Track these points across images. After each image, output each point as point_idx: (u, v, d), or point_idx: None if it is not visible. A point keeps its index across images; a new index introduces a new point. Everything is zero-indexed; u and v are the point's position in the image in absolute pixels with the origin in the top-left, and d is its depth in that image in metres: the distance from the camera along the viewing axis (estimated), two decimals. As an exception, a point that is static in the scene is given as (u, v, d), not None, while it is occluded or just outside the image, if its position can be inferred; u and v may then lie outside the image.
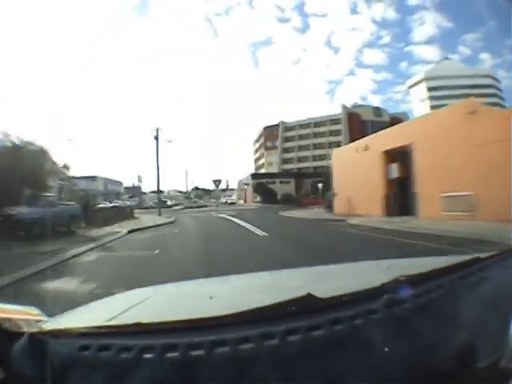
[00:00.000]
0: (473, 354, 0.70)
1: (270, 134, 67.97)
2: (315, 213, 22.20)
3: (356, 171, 18.90)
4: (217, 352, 0.64)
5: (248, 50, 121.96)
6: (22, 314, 0.84)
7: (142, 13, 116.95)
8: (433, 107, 52.42)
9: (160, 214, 24.76)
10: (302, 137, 64.66)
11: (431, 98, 66.07)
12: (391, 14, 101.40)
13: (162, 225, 17.31)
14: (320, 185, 26.65)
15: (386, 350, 0.66)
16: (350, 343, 0.69)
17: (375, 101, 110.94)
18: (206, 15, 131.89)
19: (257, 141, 75.18)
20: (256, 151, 76.88)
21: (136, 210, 28.28)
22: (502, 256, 1.16)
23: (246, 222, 16.16)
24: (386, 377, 0.65)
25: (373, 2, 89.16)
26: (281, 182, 52.03)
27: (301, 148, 64.49)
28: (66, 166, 21.74)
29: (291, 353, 0.65)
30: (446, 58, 70.30)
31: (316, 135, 62.54)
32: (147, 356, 0.64)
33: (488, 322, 0.78)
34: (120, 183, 60.58)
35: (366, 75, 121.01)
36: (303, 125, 64.93)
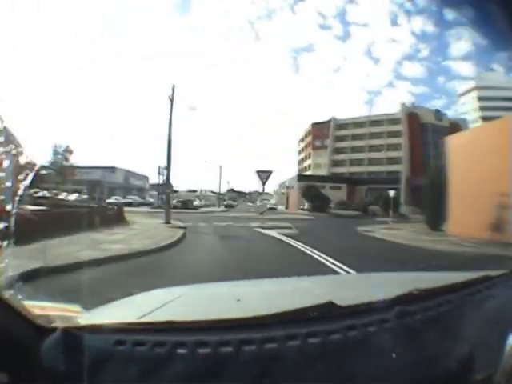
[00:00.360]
0: (471, 367, 0.76)
1: (318, 132, 60.43)
2: (427, 233, 14.71)
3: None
4: (244, 350, 0.70)
5: (289, 54, 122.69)
6: (58, 310, 0.88)
7: (184, 12, 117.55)
8: (484, 118, 48.22)
9: (168, 221, 15.79)
10: (355, 137, 56.55)
11: (482, 108, 59.90)
12: (430, 28, 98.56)
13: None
14: (392, 193, 22.22)
15: (394, 356, 0.73)
16: (363, 348, 0.75)
17: None
18: (248, 18, 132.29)
19: (303, 139, 67.79)
20: (301, 151, 68.86)
21: (149, 210, 22.03)
22: (509, 275, 1.22)
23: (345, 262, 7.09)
24: (392, 381, 0.71)
25: (412, 14, 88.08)
26: (331, 188, 44.39)
27: (354, 149, 56.12)
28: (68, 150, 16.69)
29: (311, 354, 0.72)
30: (491, 69, 62.27)
31: (372, 135, 54.01)
32: (180, 351, 0.69)
33: (488, 338, 0.83)
34: (145, 177, 55.90)
35: (404, 87, 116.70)
36: (358, 123, 57.08)
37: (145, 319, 0.87)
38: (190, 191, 68.73)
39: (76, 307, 0.96)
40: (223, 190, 60.33)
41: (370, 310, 0.86)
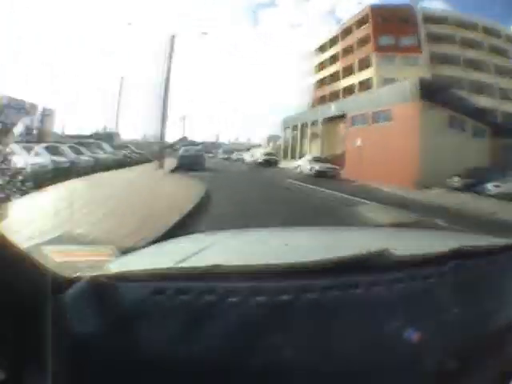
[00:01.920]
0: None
1: (392, 24, 29.03)
2: None
3: None
4: (304, 298, 0.65)
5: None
6: (88, 256, 0.80)
7: None
8: None
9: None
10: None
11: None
12: None
13: None
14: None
15: (456, 310, 0.71)
16: (424, 300, 0.73)
17: None
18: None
19: (333, 42, 36.03)
20: (322, 65, 35.23)
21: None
22: None
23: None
24: (451, 334, 0.70)
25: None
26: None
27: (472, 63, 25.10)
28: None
29: (374, 303, 0.68)
30: None
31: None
32: (232, 300, 0.62)
33: None
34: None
35: None
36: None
37: (184, 264, 0.80)
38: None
39: (106, 251, 0.87)
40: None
41: (426, 261, 0.82)
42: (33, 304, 0.58)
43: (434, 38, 28.68)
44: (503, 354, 0.72)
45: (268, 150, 34.12)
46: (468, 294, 0.79)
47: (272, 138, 42.26)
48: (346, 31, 32.97)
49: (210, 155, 65.46)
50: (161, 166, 18.23)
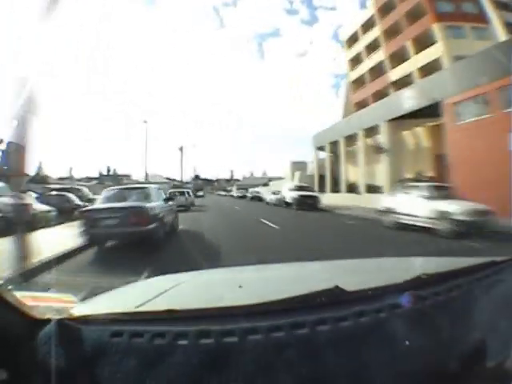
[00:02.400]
0: (483, 354, 0.75)
1: None
2: None
3: None
4: (249, 339, 0.66)
5: (254, 41, 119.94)
6: (52, 301, 0.84)
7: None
8: None
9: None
10: None
11: None
12: None
13: None
14: None
15: (407, 343, 0.71)
16: (375, 335, 0.72)
17: None
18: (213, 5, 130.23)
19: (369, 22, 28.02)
20: (371, 49, 26.26)
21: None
22: None
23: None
24: (405, 368, 0.69)
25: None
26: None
27: None
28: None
29: (320, 342, 0.68)
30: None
31: None
32: (181, 342, 0.65)
33: (498, 324, 0.82)
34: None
35: None
36: None
37: (143, 308, 0.84)
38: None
39: (70, 297, 0.91)
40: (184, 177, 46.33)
41: (379, 295, 0.82)
42: (9, 342, 0.64)
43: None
44: (472, 378, 0.72)
45: (297, 182, 24.89)
46: (425, 324, 0.78)
47: (297, 166, 33.07)
48: (385, 7, 23.99)
49: (223, 193, 58.87)
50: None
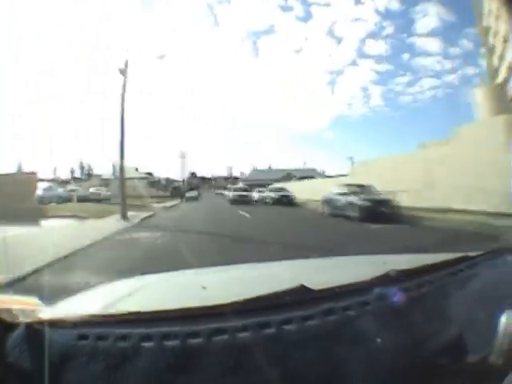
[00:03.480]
0: (462, 350, 0.74)
1: None
2: None
3: None
4: (215, 340, 0.67)
5: (249, 38, 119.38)
6: (19, 304, 0.84)
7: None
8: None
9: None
10: None
11: None
12: (395, 5, 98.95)
13: None
14: None
15: (378, 340, 0.70)
16: (343, 333, 0.73)
17: (376, 92, 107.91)
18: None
19: None
20: None
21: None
22: (490, 255, 1.21)
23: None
24: (377, 367, 0.68)
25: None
26: None
27: None
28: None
29: (287, 342, 0.69)
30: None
31: None
32: (146, 345, 0.66)
33: (476, 318, 0.81)
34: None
35: (367, 66, 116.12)
36: None
37: (109, 311, 0.85)
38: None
39: (37, 301, 0.89)
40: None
41: (347, 292, 0.83)
42: None
43: None
44: (453, 374, 0.71)
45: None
46: (395, 321, 0.77)
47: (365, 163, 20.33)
48: None
49: (220, 192, 57.95)
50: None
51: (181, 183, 53.75)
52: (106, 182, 42.58)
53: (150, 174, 47.66)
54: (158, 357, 0.65)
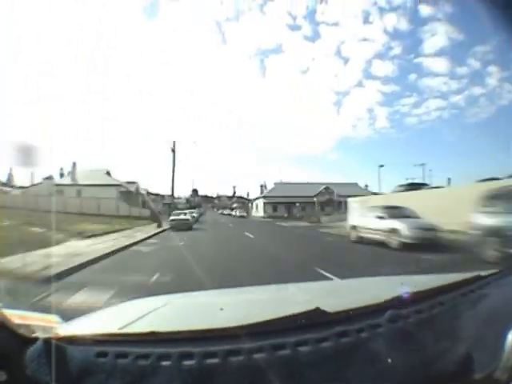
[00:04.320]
0: (470, 367, 0.75)
1: None
2: None
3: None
4: (231, 361, 0.68)
5: (256, 57, 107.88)
6: (38, 320, 0.86)
7: (151, 15, 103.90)
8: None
9: None
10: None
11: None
12: (403, 25, 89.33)
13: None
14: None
15: (390, 361, 0.72)
16: (356, 355, 0.74)
17: (381, 113, 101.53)
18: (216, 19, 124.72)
19: None
20: None
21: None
22: (500, 274, 1.23)
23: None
24: None
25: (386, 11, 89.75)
26: None
27: None
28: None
29: (301, 363, 0.70)
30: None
31: None
32: (164, 364, 0.68)
33: (485, 336, 0.83)
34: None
35: (374, 87, 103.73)
36: None
37: (127, 330, 0.87)
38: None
39: (56, 317, 0.92)
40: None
41: (360, 315, 0.85)
42: (4, 357, 0.67)
43: None
44: None
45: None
46: (406, 342, 0.79)
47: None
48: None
49: (226, 212, 48.06)
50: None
51: (180, 200, 44.07)
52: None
53: (132, 183, 34.61)
54: (175, 376, 0.66)
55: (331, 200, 46.79)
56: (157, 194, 40.95)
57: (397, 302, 0.89)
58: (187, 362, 0.67)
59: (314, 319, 0.80)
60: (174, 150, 25.70)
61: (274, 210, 45.47)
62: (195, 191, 68.51)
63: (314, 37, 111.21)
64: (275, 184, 52.04)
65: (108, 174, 32.22)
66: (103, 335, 0.78)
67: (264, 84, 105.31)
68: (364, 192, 37.32)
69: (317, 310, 0.80)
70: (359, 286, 1.59)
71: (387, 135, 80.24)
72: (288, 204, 46.63)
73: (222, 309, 1.05)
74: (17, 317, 0.79)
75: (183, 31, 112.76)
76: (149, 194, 36.29)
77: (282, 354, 0.70)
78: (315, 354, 0.70)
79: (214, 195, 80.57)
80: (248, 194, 67.08)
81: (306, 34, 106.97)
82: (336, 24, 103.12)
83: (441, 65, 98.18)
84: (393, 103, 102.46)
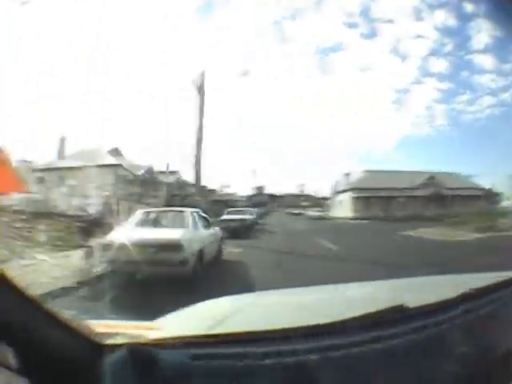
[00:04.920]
0: None
1: None
2: None
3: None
4: (330, 356, 0.70)
5: (317, 55, 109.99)
6: (121, 328, 0.84)
7: (207, 14, 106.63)
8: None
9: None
10: None
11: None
12: (451, 22, 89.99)
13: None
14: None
15: (466, 349, 0.78)
16: (440, 344, 0.80)
17: (439, 111, 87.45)
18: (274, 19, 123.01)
19: None
20: None
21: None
22: None
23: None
24: (469, 371, 0.76)
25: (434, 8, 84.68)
26: None
27: None
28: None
29: (396, 353, 0.75)
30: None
31: None
32: (263, 362, 0.68)
33: None
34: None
35: (431, 84, 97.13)
36: None
37: (217, 330, 0.85)
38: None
39: (139, 322, 0.92)
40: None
41: (437, 309, 0.90)
42: (75, 367, 0.64)
43: None
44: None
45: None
46: (478, 332, 0.87)
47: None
48: None
49: (296, 211, 38.84)
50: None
51: (237, 196, 34.93)
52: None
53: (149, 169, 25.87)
54: (277, 375, 0.66)
55: (440, 194, 32.86)
56: (149, 170, 26.66)
57: (465, 297, 0.95)
58: (288, 360, 0.67)
59: (400, 314, 0.83)
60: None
61: (366, 207, 32.42)
62: (260, 188, 58.86)
63: (371, 34, 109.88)
64: (365, 172, 37.70)
65: (116, 151, 22.97)
66: (197, 336, 0.77)
67: (327, 82, 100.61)
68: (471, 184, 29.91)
69: (401, 306, 0.83)
70: (428, 283, 1.68)
71: (445, 133, 76.06)
72: (385, 199, 33.40)
73: (306, 307, 1.15)
74: (99, 325, 0.77)
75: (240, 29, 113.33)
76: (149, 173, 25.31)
77: (378, 347, 0.73)
78: (407, 346, 0.76)
79: (279, 193, 70.09)
80: (316, 193, 57.72)
81: (363, 31, 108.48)
82: (390, 21, 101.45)
83: (488, 61, 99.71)
84: (448, 100, 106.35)
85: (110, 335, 0.73)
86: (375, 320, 0.79)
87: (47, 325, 0.62)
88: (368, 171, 35.52)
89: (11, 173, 7.72)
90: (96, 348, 0.68)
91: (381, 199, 32.46)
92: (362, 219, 28.30)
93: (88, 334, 0.69)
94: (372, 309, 0.81)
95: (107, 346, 0.69)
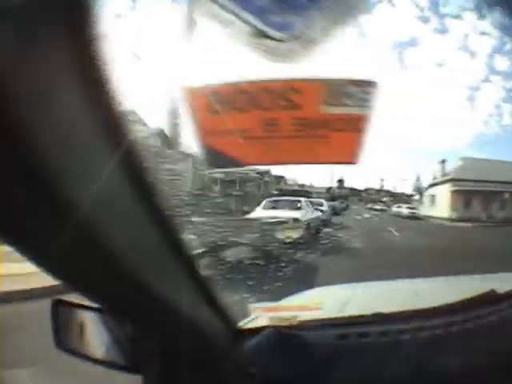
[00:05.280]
0: None
1: None
2: None
3: None
4: (449, 331, 0.76)
5: (394, 50, 69.97)
6: (268, 311, 0.88)
7: None
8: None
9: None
10: None
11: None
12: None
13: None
14: None
15: None
16: None
17: (507, 110, 43.06)
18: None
19: None
20: None
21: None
22: None
23: None
24: None
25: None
26: None
27: None
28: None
29: (498, 328, 0.80)
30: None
31: None
32: (402, 338, 0.74)
33: None
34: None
35: (497, 82, 48.72)
36: None
37: (347, 311, 0.93)
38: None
39: (273, 303, 0.96)
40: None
41: None
42: (217, 350, 0.67)
43: None
44: None
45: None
46: None
47: None
48: None
49: (378, 207, 33.59)
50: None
51: (312, 188, 32.32)
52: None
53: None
54: (412, 348, 0.72)
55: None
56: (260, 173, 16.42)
57: None
58: (421, 335, 0.73)
59: (493, 298, 0.87)
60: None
61: (467, 205, 27.05)
62: (341, 181, 55.52)
63: (443, 29, 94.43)
64: (464, 160, 28.27)
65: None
66: (341, 318, 0.85)
67: (398, 78, 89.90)
68: None
69: (492, 291, 0.88)
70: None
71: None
72: (489, 195, 27.99)
73: (418, 295, 1.21)
74: (239, 304, 0.83)
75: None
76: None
77: (482, 323, 0.78)
78: (501, 325, 0.79)
79: (362, 188, 65.78)
80: (395, 188, 50.63)
81: (436, 26, 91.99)
82: (458, 17, 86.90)
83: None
84: (512, 100, 79.31)
85: (247, 318, 0.78)
86: (480, 301, 0.84)
87: (194, 305, 0.61)
88: (467, 158, 28.42)
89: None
90: (237, 332, 0.71)
91: (482, 194, 26.84)
92: (465, 221, 22.99)
93: (229, 317, 0.71)
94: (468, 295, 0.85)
95: (247, 329, 0.74)
